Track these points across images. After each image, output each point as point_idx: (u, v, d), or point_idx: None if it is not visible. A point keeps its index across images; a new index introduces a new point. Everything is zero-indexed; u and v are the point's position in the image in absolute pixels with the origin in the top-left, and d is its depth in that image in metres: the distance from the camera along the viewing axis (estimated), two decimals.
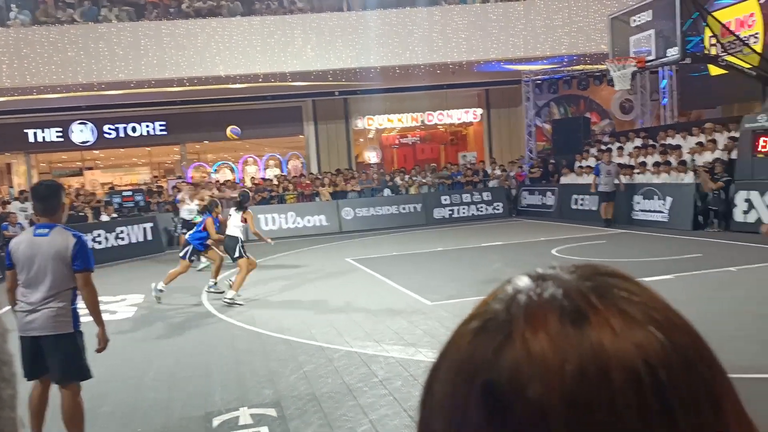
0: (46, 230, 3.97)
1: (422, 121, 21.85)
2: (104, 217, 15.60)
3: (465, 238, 14.44)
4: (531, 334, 0.42)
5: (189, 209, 12.91)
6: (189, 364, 6.00)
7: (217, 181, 18.98)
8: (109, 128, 20.05)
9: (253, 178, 20.53)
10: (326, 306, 8.08)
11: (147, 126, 20.27)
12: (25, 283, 3.96)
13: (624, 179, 14.82)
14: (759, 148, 11.88)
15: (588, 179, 15.76)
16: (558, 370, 0.40)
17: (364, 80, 18.61)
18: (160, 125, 20.41)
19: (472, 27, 16.91)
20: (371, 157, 22.11)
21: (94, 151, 22.06)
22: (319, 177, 19.09)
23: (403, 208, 18.16)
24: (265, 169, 22.21)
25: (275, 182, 19.03)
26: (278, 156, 22.46)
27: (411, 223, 17.86)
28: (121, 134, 20.20)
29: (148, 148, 22.30)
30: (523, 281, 0.47)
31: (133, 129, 20.22)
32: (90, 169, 23.10)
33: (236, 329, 7.24)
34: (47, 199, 4.02)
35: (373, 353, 5.84)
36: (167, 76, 16.07)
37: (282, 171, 21.71)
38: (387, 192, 18.80)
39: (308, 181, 18.87)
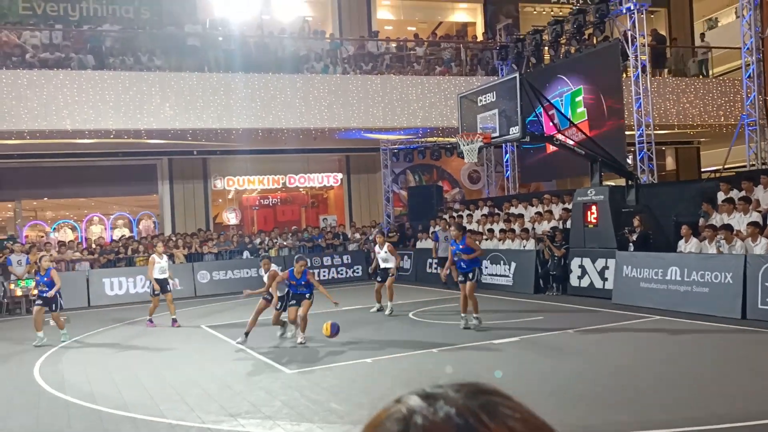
0: None
1: (284, 184, 21.87)
2: None
3: (325, 301, 14.38)
4: None
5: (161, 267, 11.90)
6: None
7: (59, 242, 17.51)
8: None
9: (100, 238, 19.14)
10: (177, 379, 7.61)
11: None
12: None
13: None
14: (589, 219, 13.27)
15: None
16: None
17: (225, 141, 18.36)
18: None
19: (333, 96, 17.47)
20: (230, 218, 21.59)
21: None
22: (173, 238, 18.23)
23: (263, 271, 17.75)
24: (112, 228, 20.83)
25: (120, 244, 17.86)
26: (128, 215, 21.21)
27: None
28: None
29: None
30: (415, 401, 0.51)
31: None
32: None
33: (73, 407, 6.57)
34: None
35: (228, 429, 5.58)
36: (5, 128, 14.75)
37: (132, 231, 20.49)
38: (246, 254, 18.37)
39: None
